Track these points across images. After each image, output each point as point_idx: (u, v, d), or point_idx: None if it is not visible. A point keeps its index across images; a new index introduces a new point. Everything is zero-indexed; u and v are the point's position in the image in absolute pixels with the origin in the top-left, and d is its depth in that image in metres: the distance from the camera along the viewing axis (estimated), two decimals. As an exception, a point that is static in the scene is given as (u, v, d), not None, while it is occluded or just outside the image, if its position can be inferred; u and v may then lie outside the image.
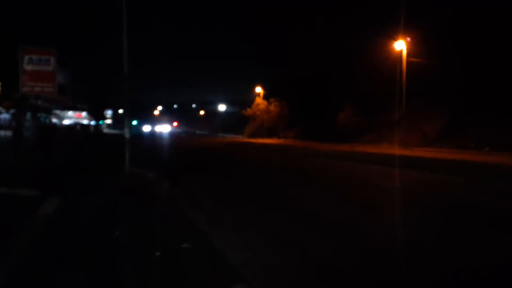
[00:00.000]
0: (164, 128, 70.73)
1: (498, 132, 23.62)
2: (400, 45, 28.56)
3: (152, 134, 63.96)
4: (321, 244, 5.19)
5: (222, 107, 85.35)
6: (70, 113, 47.64)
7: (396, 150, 23.76)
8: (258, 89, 56.79)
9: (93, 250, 4.70)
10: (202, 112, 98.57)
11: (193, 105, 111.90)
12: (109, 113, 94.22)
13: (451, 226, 6.12)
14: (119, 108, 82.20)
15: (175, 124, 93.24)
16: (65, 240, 5.15)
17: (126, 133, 12.00)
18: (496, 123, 24.25)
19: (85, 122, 52.80)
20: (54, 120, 29.36)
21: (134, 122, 76.95)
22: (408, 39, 27.87)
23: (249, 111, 57.45)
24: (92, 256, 4.51)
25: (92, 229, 5.72)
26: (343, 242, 5.21)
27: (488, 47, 25.40)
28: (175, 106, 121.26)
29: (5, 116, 21.96)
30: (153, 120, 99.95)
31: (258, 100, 56.20)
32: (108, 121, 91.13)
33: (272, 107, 53.10)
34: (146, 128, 77.49)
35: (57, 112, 30.75)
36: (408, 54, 28.38)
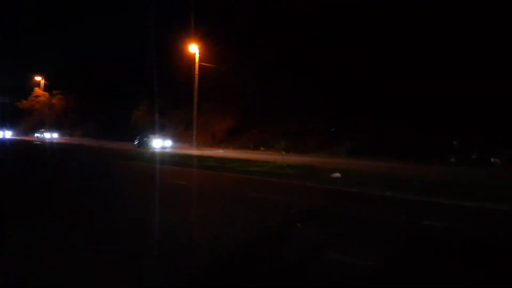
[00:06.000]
0: None
1: (273, 135, 27.83)
2: (194, 49, 29.76)
3: None
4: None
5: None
6: None
7: (187, 150, 24.57)
8: (38, 78, 48.20)
9: None
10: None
11: None
12: None
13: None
14: None
15: None
16: None
17: None
18: (272, 126, 28.41)
19: None
20: None
21: None
22: (196, 46, 29.08)
23: (24, 103, 48.15)
24: None
25: None
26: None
27: (276, 53, 28.26)
28: None
29: None
30: None
31: (38, 91, 47.75)
32: None
33: (55, 100, 46.33)
34: None
35: None
36: (201, 59, 29.88)
